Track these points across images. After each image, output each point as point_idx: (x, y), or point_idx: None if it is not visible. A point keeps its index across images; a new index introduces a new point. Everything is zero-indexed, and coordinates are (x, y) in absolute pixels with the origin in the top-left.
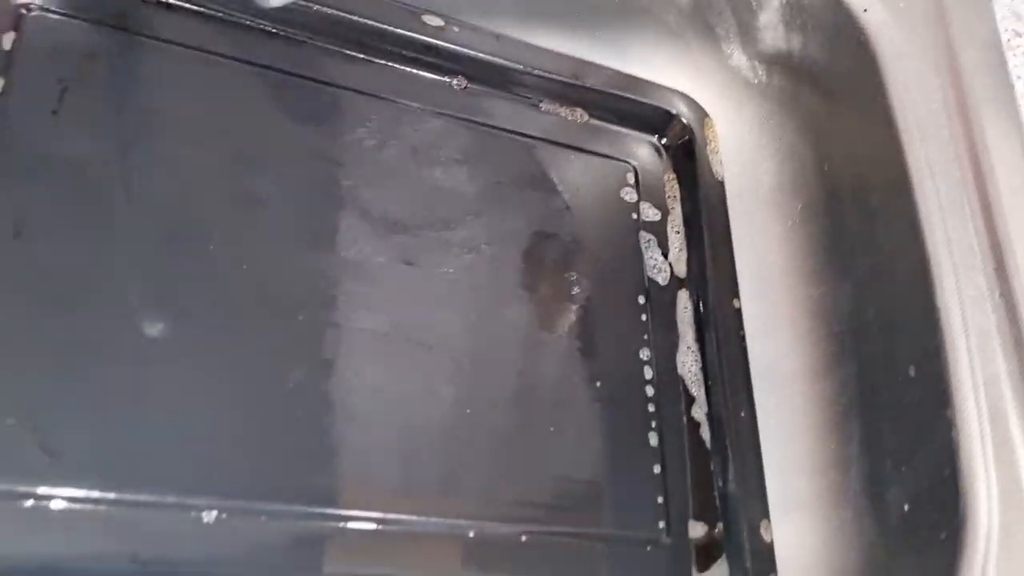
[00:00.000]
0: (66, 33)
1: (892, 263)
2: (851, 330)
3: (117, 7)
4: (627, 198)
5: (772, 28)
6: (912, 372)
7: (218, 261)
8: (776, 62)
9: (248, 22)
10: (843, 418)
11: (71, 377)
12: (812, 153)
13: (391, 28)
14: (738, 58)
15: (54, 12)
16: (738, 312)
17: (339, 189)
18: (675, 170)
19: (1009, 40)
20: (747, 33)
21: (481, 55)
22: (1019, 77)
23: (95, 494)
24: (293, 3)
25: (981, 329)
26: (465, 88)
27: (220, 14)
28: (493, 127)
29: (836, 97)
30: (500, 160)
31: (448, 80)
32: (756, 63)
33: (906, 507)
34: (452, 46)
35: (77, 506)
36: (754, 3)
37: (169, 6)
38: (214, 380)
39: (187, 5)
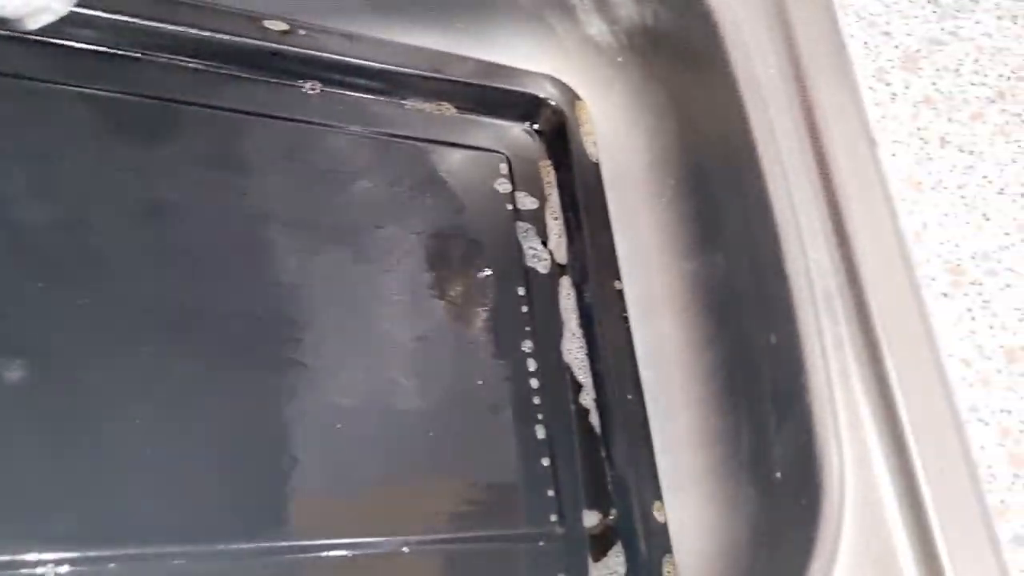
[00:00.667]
0: None
1: (751, 231)
2: (725, 302)
3: None
4: (501, 189)
5: (625, 3)
6: (773, 340)
7: (66, 298)
8: (635, 37)
9: (72, 43)
10: (725, 391)
11: None
12: (678, 127)
13: (229, 37)
14: (600, 36)
15: None
16: (620, 293)
17: (217, 214)
18: (550, 156)
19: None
20: (604, 10)
21: (333, 56)
22: (851, 35)
23: None
24: (72, 15)
25: (826, 292)
26: (320, 92)
27: (34, 36)
28: (355, 130)
29: (691, 69)
30: (365, 162)
31: (300, 85)
32: (618, 40)
33: (778, 475)
34: (300, 50)
35: None
36: None
37: None
38: (53, 421)
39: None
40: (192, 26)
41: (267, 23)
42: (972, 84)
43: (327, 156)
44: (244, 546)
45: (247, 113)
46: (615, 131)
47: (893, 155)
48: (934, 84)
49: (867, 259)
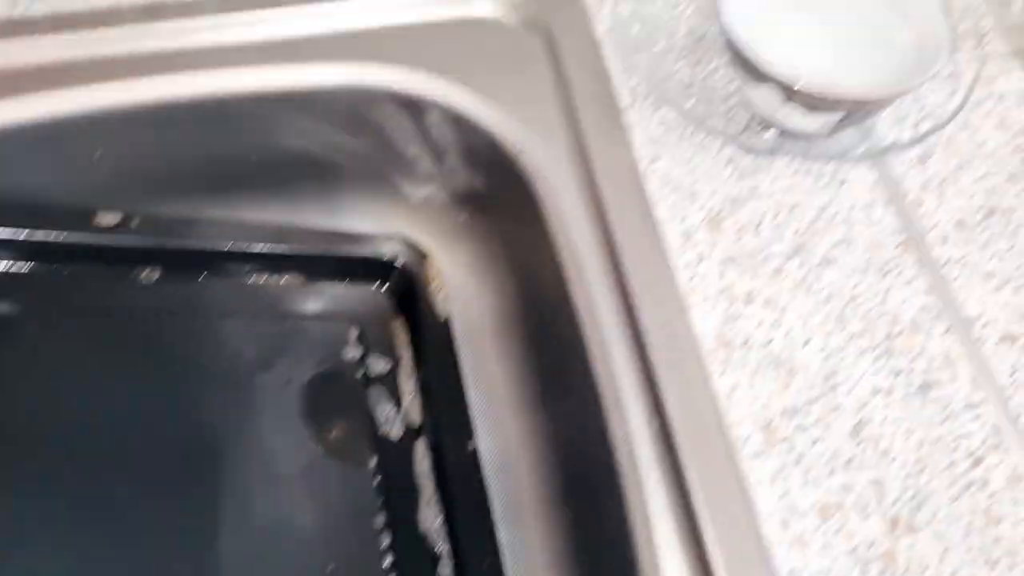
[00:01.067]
0: None
1: (580, 394)
2: (573, 459)
3: None
4: (352, 355)
5: (458, 169)
6: (610, 503)
7: None
8: (472, 197)
9: None
10: (581, 549)
11: None
12: (519, 284)
13: (63, 235)
14: (442, 198)
15: None
16: (475, 453)
17: (79, 410)
18: (401, 315)
19: (646, 167)
20: (441, 172)
21: (170, 242)
22: (658, 199)
23: None
24: None
25: (647, 460)
26: (160, 278)
27: None
28: (200, 312)
29: (521, 230)
30: (214, 342)
31: (138, 274)
32: (458, 199)
33: None
34: (135, 241)
35: None
36: (438, 147)
37: None
38: None
39: None
40: (23, 226)
41: (99, 217)
42: (772, 240)
43: (174, 341)
44: None
45: (89, 308)
46: (464, 287)
47: (703, 316)
48: (738, 242)
49: (683, 425)
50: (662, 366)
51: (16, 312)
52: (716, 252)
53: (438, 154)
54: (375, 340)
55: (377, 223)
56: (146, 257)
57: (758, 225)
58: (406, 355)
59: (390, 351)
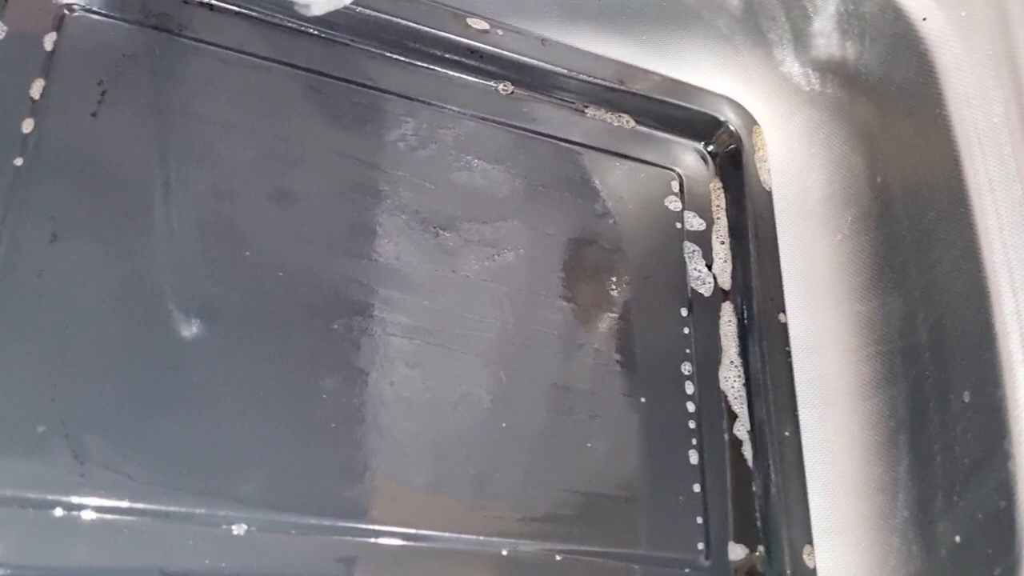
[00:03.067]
0: (107, 34)
1: (947, 281)
2: (901, 349)
3: (158, 8)
4: (671, 207)
5: (827, 35)
6: (967, 398)
7: (254, 264)
8: (830, 70)
9: (290, 24)
10: (891, 440)
11: (103, 382)
12: (865, 164)
13: (434, 31)
14: (790, 65)
15: (96, 13)
16: (784, 326)
17: (378, 192)
18: (721, 179)
19: None
20: (801, 39)
21: (526, 59)
22: None
23: (125, 504)
24: (337, 9)
25: None
26: (512, 93)
27: (262, 16)
28: (538, 132)
29: (892, 108)
30: (544, 165)
31: (494, 85)
32: (809, 70)
33: (957, 539)
34: (497, 50)
35: (107, 516)
36: (809, 9)
37: (211, 7)
38: (247, 386)
39: (229, 6)
40: (400, 17)
41: (470, 21)
42: None
43: (505, 153)
44: (407, 531)
45: (438, 105)
46: (791, 161)
47: None
48: None
49: None
50: None
51: (377, 94)
52: None
53: (809, 16)
54: (693, 197)
55: (712, 81)
56: (502, 68)
57: None
58: (722, 219)
59: (706, 212)
